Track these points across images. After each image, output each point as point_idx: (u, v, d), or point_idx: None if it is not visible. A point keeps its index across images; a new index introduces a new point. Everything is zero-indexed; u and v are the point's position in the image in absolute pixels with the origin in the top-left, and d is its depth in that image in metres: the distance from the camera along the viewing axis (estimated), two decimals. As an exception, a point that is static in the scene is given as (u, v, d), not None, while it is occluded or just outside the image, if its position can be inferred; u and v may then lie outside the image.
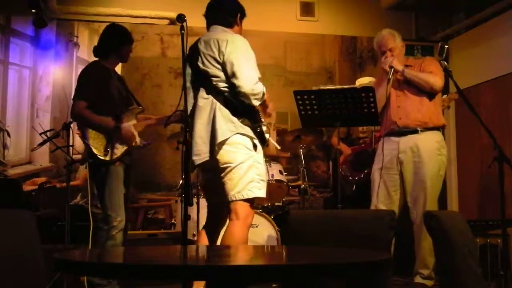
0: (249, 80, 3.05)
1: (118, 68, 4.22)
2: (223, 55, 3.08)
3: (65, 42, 5.56)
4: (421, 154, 3.90)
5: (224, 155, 3.07)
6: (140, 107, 3.92)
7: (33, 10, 4.95)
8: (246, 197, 3.07)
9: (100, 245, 3.58)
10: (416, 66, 4.03)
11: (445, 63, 3.38)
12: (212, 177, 3.22)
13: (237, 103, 3.10)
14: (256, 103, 3.12)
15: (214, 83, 3.13)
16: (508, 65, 5.26)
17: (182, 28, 2.79)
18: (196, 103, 3.15)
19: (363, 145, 4.99)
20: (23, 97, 5.44)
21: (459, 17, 5.97)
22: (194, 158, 3.10)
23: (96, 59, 3.86)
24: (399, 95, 4.01)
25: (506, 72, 5.31)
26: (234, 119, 3.08)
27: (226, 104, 3.11)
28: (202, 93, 3.15)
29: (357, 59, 6.23)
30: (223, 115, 3.08)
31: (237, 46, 3.11)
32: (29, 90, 5.46)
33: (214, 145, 3.08)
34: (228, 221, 3.15)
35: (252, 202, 3.14)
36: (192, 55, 3.19)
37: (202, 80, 3.16)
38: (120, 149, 3.70)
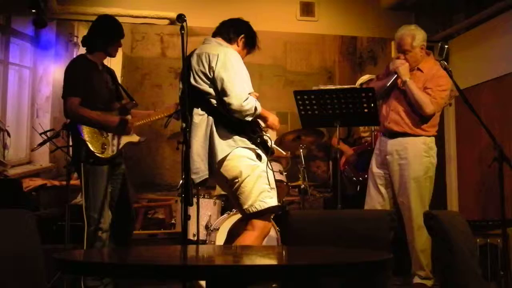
0: (239, 97, 3.00)
1: (118, 68, 4.21)
2: (213, 71, 3.04)
3: (65, 42, 5.55)
4: (406, 156, 3.91)
5: (229, 170, 3.05)
6: (133, 102, 3.84)
7: (33, 10, 4.94)
8: (259, 208, 3.05)
9: (89, 246, 3.51)
10: (426, 72, 3.95)
11: (445, 63, 3.38)
12: (227, 190, 3.23)
13: (232, 118, 3.06)
14: (248, 118, 3.08)
15: (207, 99, 3.09)
16: (508, 65, 5.25)
17: (182, 28, 2.79)
18: (192, 120, 3.09)
19: (366, 143, 4.97)
20: (23, 97, 5.43)
21: (459, 17, 5.96)
22: (193, 176, 3.06)
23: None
24: (398, 98, 4.00)
25: (506, 72, 5.30)
26: (232, 134, 3.06)
27: (222, 119, 3.07)
28: (197, 110, 3.11)
29: (357, 59, 6.23)
30: (220, 131, 3.06)
31: (227, 61, 3.05)
32: (29, 90, 5.45)
33: (214, 163, 3.06)
34: (245, 231, 3.11)
35: (268, 212, 3.11)
36: (185, 70, 3.11)
37: (197, 97, 3.10)
38: (116, 147, 3.66)
